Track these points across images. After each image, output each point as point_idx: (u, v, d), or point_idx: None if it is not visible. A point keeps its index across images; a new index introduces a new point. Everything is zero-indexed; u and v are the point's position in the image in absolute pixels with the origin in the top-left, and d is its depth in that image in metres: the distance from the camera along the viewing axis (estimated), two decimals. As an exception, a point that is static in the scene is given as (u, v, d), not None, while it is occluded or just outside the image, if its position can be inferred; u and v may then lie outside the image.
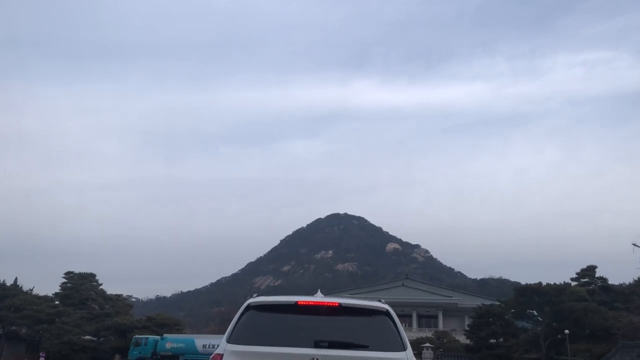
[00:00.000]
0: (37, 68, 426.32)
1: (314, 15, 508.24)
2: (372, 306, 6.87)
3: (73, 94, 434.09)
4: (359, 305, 6.88)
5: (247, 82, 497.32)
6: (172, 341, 60.38)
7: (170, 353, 59.14)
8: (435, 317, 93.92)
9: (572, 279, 75.62)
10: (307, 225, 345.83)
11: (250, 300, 6.99)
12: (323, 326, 6.55)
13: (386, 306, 6.91)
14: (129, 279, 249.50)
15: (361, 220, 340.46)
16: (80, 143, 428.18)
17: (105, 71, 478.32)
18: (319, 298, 7.23)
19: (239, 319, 6.76)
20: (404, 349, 6.49)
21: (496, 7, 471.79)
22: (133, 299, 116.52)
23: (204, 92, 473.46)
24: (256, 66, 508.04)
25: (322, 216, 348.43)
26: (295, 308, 6.65)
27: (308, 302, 6.70)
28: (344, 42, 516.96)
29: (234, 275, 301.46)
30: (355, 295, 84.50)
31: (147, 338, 62.38)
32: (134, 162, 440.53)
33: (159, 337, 62.41)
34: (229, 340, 6.53)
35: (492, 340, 65.47)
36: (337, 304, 6.69)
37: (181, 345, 59.43)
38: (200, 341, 59.38)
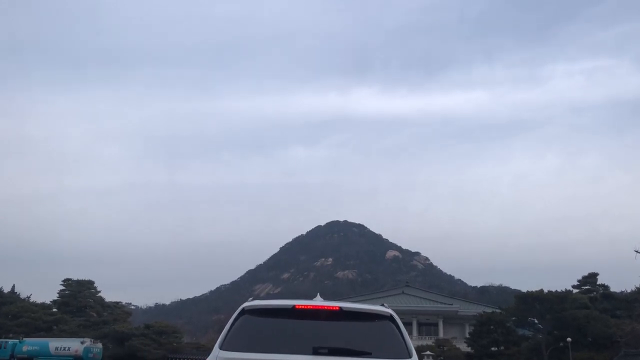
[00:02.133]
0: (39, 74, 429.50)
1: (314, 23, 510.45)
2: (375, 310, 6.39)
3: (75, 100, 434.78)
4: (361, 309, 6.43)
5: (248, 88, 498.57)
6: (28, 344, 62.53)
7: (26, 356, 61.44)
8: (436, 324, 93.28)
9: (574, 287, 75.17)
10: (307, 232, 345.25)
11: (245, 304, 6.47)
12: (322, 332, 6.06)
13: (390, 310, 6.42)
14: (128, 286, 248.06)
15: (361, 228, 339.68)
16: (81, 149, 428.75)
17: (107, 77, 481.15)
18: (318, 302, 6.72)
19: (233, 324, 6.25)
20: (409, 356, 5.99)
21: (496, 15, 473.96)
22: (132, 307, 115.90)
23: (206, 99, 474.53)
24: (257, 73, 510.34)
25: (322, 223, 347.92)
26: (292, 312, 6.15)
27: (306, 305, 6.21)
28: (344, 50, 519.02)
29: (233, 283, 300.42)
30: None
31: (6, 342, 64.14)
32: (135, 168, 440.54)
33: (17, 340, 64.25)
34: (221, 347, 6.02)
35: (493, 348, 65.03)
36: (337, 308, 6.20)
37: (36, 348, 61.75)
38: (54, 344, 61.65)
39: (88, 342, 61.53)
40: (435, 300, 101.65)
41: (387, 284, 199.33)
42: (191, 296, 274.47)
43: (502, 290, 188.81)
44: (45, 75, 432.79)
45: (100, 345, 63.61)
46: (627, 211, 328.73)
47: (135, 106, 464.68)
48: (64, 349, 60.04)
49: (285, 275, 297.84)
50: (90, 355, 60.13)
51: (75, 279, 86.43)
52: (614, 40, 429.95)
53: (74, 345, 60.40)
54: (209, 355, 6.16)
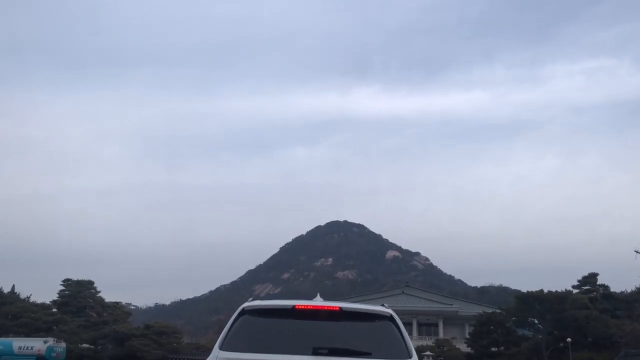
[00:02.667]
0: (39, 74, 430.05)
1: (314, 23, 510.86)
2: (375, 311, 6.39)
3: (75, 100, 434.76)
4: (361, 309, 6.42)
5: (248, 88, 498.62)
6: None
7: None
8: (436, 325, 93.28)
9: (574, 287, 75.07)
10: (307, 232, 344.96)
11: (245, 304, 6.47)
12: (322, 332, 6.06)
13: (390, 311, 6.42)
14: (128, 286, 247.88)
15: (361, 228, 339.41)
16: (81, 149, 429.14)
17: (107, 77, 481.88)
18: (318, 302, 6.72)
19: (233, 324, 6.25)
20: (409, 356, 5.99)
21: (496, 15, 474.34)
22: (132, 307, 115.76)
23: (206, 99, 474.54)
24: (257, 73, 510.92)
25: (322, 223, 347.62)
26: (292, 312, 6.15)
27: (306, 306, 6.21)
28: (344, 50, 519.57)
29: (233, 283, 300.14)
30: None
31: None
32: (135, 168, 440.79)
33: None
34: (221, 347, 6.02)
35: (493, 349, 64.97)
36: (337, 309, 6.20)
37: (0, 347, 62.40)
38: (17, 343, 61.44)
39: (51, 341, 61.48)
40: (435, 300, 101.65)
41: (387, 284, 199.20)
42: (191, 296, 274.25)
43: (502, 291, 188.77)
44: (45, 75, 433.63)
45: (64, 344, 63.67)
46: (627, 211, 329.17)
47: (135, 106, 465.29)
48: (27, 348, 59.84)
49: (285, 276, 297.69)
50: (53, 354, 60.09)
51: (75, 279, 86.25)
52: (614, 40, 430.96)
53: (37, 344, 60.19)
54: (209, 355, 6.16)
